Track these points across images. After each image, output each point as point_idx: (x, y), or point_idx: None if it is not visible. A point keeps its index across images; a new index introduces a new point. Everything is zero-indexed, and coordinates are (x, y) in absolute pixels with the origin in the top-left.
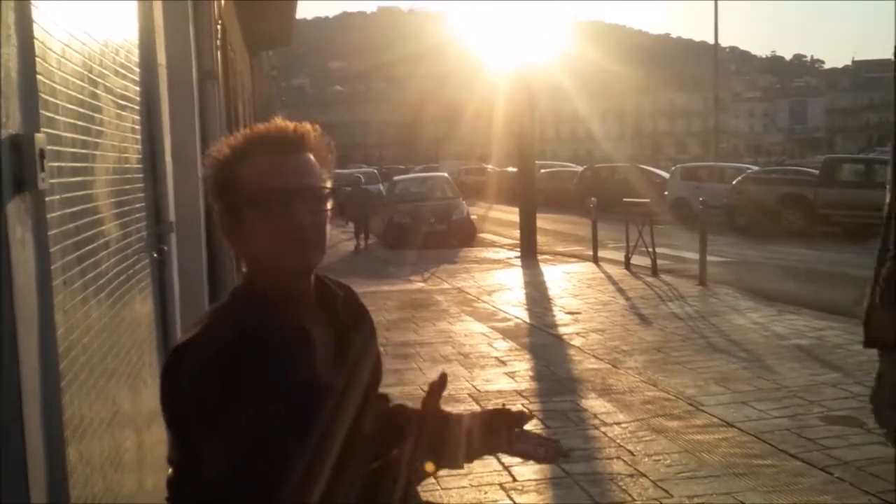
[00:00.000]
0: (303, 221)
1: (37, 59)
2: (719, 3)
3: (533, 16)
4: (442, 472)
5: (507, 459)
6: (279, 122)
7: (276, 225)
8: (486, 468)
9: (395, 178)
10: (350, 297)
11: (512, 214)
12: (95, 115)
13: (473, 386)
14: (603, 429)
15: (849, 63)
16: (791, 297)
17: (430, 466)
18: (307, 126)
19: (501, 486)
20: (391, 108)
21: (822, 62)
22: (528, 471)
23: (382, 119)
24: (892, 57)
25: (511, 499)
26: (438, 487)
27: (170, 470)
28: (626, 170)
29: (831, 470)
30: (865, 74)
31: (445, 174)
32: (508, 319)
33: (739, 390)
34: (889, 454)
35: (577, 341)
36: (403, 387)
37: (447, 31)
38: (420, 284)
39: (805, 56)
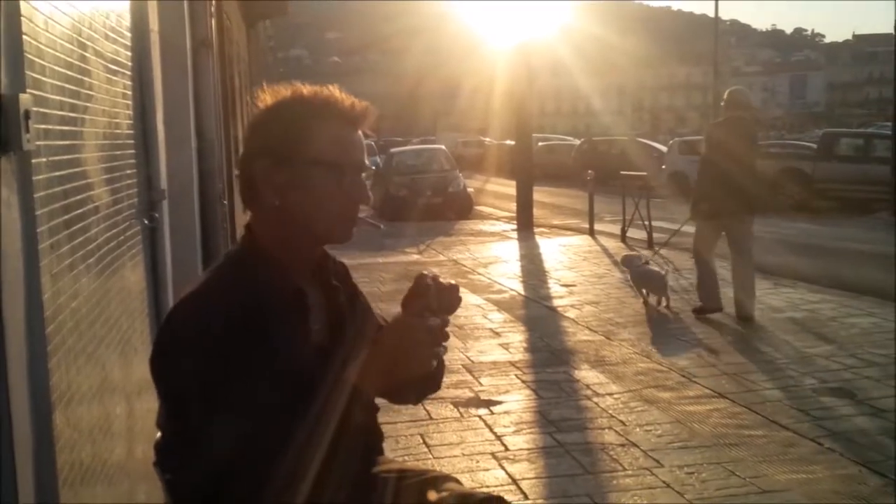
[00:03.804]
0: (362, 198)
1: (23, 18)
2: None
3: None
4: (433, 442)
5: (498, 429)
6: (340, 92)
7: (344, 195)
8: (478, 437)
9: (392, 150)
10: (336, 261)
11: (509, 187)
12: (85, 78)
13: (468, 357)
14: (595, 399)
15: (849, 37)
16: (787, 271)
17: (432, 495)
18: (368, 104)
19: (493, 455)
20: (389, 81)
21: (823, 36)
22: (520, 440)
23: (380, 91)
24: (893, 31)
25: (503, 468)
26: (430, 457)
27: (158, 434)
28: (624, 143)
29: (821, 440)
30: (866, 49)
31: (442, 147)
32: (504, 291)
33: (732, 362)
34: (878, 425)
35: (571, 313)
36: None
37: (446, 4)
38: (416, 256)
39: (805, 30)
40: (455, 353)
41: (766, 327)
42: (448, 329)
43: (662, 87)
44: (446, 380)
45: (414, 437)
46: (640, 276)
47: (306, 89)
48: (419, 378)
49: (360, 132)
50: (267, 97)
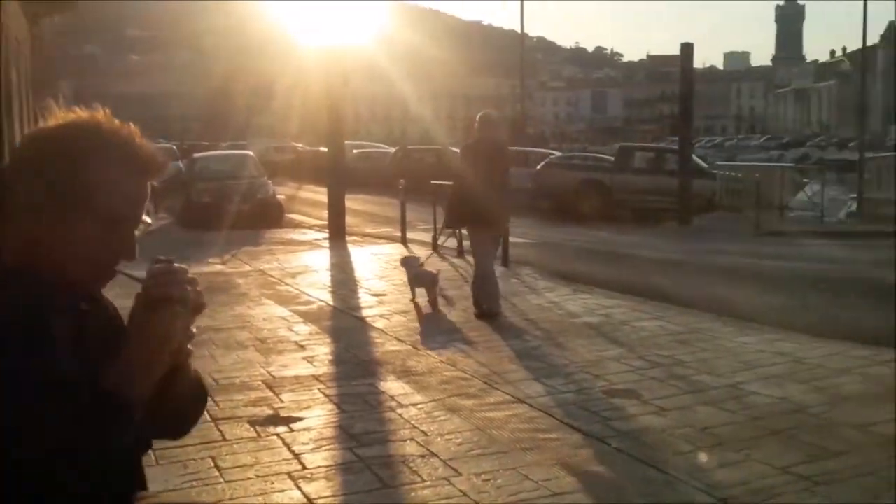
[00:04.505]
0: (129, 254)
1: None
2: None
3: None
4: (225, 464)
5: (297, 447)
6: (145, 143)
7: (115, 244)
8: (275, 457)
9: (196, 154)
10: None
11: (323, 195)
12: None
13: (269, 372)
14: (399, 410)
15: (644, 57)
16: (586, 277)
17: None
18: (166, 159)
19: (290, 475)
20: (197, 81)
21: (621, 55)
22: (318, 457)
23: (186, 91)
24: (679, 52)
25: (299, 488)
26: (221, 481)
27: None
28: (438, 152)
29: (609, 440)
30: (659, 68)
31: (250, 152)
32: (311, 302)
33: (532, 367)
34: (662, 423)
35: (380, 323)
36: None
37: (254, 4)
38: (219, 267)
39: (605, 49)
40: (255, 369)
41: (565, 332)
42: (255, 350)
43: (474, 98)
44: (243, 398)
45: (205, 461)
46: (416, 277)
47: (106, 122)
48: (179, 371)
49: (148, 184)
50: (60, 114)
